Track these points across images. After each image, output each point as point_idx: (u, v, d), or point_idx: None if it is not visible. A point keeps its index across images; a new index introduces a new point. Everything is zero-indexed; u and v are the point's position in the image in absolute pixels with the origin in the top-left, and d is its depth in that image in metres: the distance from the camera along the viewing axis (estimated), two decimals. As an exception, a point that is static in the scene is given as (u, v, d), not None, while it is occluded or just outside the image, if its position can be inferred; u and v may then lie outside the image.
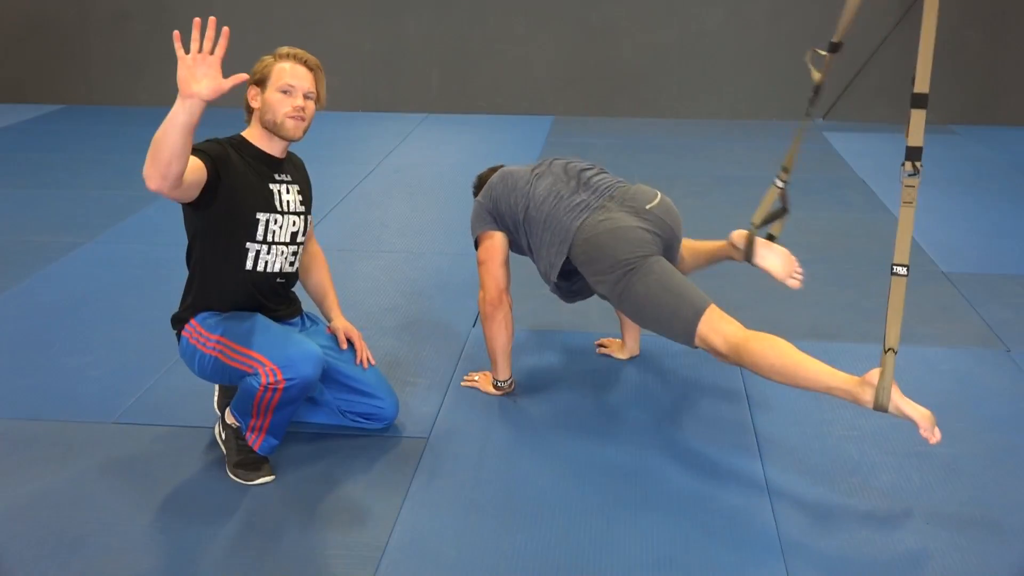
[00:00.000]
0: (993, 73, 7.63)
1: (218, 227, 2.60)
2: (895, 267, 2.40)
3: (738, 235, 3.00)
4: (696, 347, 2.71)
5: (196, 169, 2.43)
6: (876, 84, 7.59)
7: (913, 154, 2.36)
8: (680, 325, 2.70)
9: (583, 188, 2.98)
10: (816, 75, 2.86)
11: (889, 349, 2.40)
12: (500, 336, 3.05)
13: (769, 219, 3.03)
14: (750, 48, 7.77)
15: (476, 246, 3.11)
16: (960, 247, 4.67)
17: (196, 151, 2.45)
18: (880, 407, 2.41)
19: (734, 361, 2.63)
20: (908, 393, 3.15)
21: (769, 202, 2.98)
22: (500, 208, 3.05)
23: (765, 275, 2.98)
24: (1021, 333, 3.66)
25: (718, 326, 2.65)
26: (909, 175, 2.38)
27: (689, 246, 3.13)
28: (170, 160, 2.22)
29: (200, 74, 2.17)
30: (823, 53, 2.84)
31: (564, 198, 2.95)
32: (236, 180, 2.58)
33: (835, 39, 2.80)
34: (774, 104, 7.74)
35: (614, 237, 2.80)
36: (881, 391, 2.40)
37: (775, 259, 2.95)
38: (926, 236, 4.79)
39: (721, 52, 7.80)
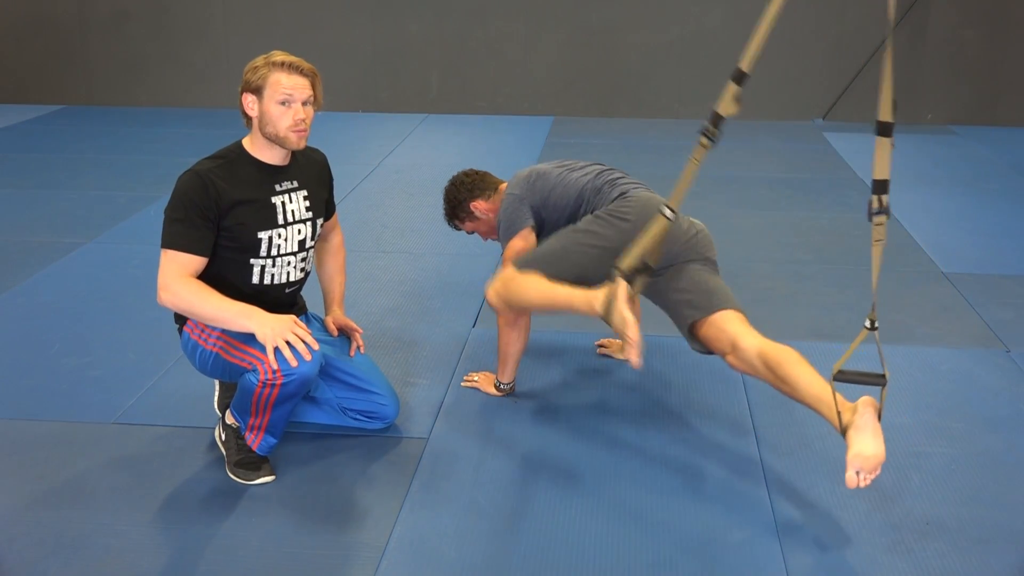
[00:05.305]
0: (993, 73, 7.64)
1: (221, 251, 2.59)
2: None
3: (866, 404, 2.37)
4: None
5: (200, 266, 2.56)
6: (876, 84, 7.56)
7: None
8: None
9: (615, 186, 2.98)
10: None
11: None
12: (518, 342, 3.00)
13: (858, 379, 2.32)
14: (750, 48, 7.76)
15: (506, 242, 3.00)
16: (960, 247, 4.67)
17: (193, 242, 2.53)
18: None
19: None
20: (908, 393, 3.16)
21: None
22: (549, 201, 2.97)
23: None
24: (1021, 333, 3.66)
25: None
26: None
27: (787, 376, 2.51)
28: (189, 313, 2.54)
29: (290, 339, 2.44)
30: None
31: (618, 182, 2.97)
32: (234, 218, 2.57)
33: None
34: (774, 104, 7.73)
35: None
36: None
37: (870, 443, 2.30)
38: (926, 236, 4.79)
39: (721, 52, 7.77)
